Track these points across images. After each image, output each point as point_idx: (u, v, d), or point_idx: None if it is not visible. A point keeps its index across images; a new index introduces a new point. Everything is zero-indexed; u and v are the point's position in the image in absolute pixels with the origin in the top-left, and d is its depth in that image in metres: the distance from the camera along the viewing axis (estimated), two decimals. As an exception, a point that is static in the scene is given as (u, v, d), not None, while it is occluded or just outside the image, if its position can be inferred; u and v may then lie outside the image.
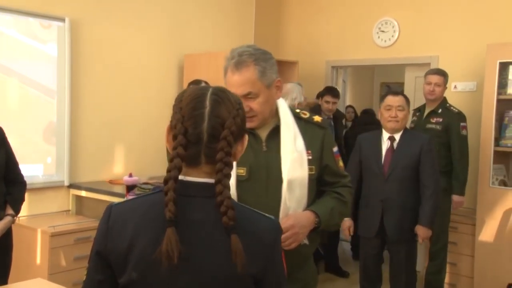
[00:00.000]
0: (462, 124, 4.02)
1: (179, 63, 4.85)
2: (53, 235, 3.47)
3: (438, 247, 4.09)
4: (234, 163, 1.28)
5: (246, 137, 1.21)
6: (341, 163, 1.94)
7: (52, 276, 3.36)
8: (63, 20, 3.96)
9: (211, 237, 1.11)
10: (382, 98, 3.41)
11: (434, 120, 4.06)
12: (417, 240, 3.32)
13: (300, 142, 1.80)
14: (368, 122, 5.40)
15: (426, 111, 4.15)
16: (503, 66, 4.07)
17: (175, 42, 4.82)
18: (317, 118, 1.90)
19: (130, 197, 3.26)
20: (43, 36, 3.90)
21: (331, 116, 4.81)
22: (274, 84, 1.76)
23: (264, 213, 1.21)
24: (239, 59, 1.69)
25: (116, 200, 3.79)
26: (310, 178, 1.79)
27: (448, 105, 4.10)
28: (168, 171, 1.10)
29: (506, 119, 4.12)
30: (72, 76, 4.03)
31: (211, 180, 1.13)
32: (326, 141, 1.88)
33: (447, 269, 4.22)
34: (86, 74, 4.16)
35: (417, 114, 4.27)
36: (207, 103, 1.14)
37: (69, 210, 4.06)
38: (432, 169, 3.28)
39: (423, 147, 3.28)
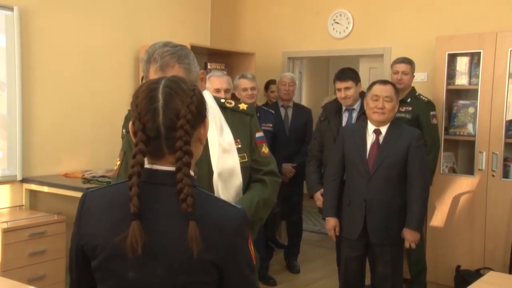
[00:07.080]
0: (432, 113, 3.98)
1: (135, 54, 4.78)
2: (6, 231, 3.38)
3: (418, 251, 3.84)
4: None
5: (208, 120, 1.24)
6: (264, 149, 1.93)
7: (6, 273, 3.26)
8: (11, 9, 3.83)
9: (173, 223, 1.14)
10: (369, 86, 3.12)
11: (403, 109, 3.91)
12: (404, 245, 3.04)
13: (227, 133, 1.82)
14: None
15: None
16: (452, 58, 4.21)
17: (130, 33, 4.74)
18: (242, 106, 1.93)
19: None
20: (-9, 26, 3.76)
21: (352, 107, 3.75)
22: (198, 77, 1.76)
23: (231, 203, 1.25)
24: (163, 61, 1.65)
25: (72, 194, 3.74)
26: (244, 165, 1.83)
27: (417, 94, 4.07)
28: (132, 167, 1.13)
29: (455, 108, 4.27)
30: (23, 67, 3.91)
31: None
32: (252, 127, 1.91)
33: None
34: (37, 65, 4.04)
35: None
36: (160, 96, 1.16)
37: (22, 205, 3.95)
38: (421, 167, 3.00)
39: (411, 143, 2.99)
